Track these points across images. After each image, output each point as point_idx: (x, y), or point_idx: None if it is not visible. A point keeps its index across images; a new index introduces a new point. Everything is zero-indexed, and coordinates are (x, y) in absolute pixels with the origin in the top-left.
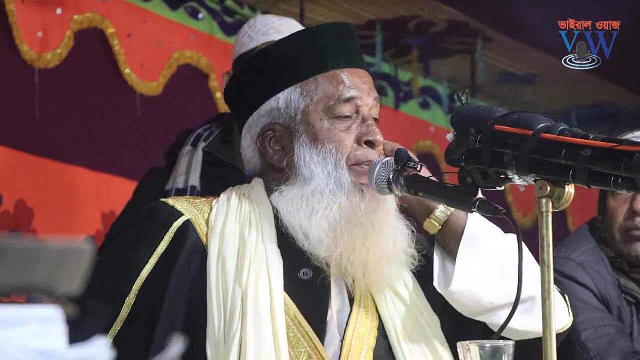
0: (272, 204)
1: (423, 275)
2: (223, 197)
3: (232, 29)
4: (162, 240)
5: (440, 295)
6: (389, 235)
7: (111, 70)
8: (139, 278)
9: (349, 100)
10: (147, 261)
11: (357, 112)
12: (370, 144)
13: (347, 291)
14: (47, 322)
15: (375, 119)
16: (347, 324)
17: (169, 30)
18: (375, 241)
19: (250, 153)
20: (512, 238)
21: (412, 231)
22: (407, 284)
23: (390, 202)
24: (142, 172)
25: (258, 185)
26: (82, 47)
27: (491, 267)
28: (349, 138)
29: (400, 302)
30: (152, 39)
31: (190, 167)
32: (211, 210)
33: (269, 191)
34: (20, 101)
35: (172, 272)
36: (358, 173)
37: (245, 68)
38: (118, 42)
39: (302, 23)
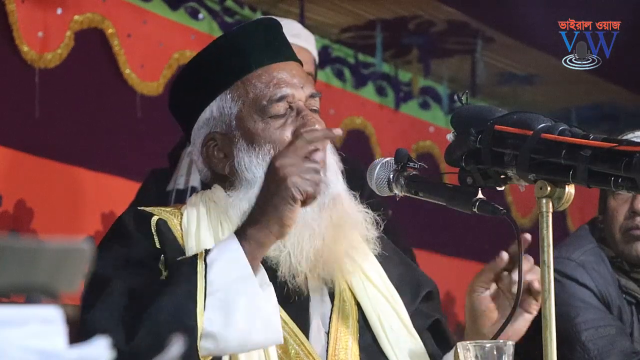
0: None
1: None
2: (189, 204)
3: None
4: (152, 236)
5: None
6: (337, 233)
7: (111, 71)
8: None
9: (281, 99)
10: (159, 253)
11: (291, 107)
12: None
13: (325, 283)
14: (47, 322)
15: (314, 110)
16: (330, 318)
17: (169, 30)
18: (322, 242)
19: (200, 164)
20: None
21: (369, 220)
22: (377, 270)
23: (337, 200)
24: (142, 172)
25: (218, 190)
26: (82, 47)
27: None
28: (285, 134)
29: (374, 289)
30: (152, 39)
31: (191, 167)
32: (182, 215)
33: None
34: (20, 101)
35: (167, 261)
36: None
37: (176, 82)
38: (118, 42)
39: (302, 23)
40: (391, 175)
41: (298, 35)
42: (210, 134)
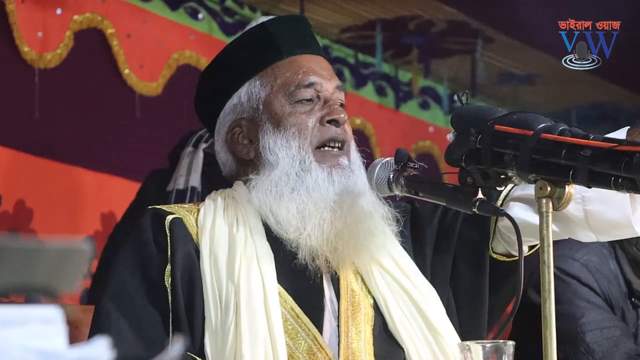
0: (255, 202)
1: (410, 240)
2: (208, 199)
3: (231, 29)
4: (165, 237)
5: (429, 253)
6: (358, 217)
7: (111, 71)
8: (165, 277)
9: (309, 85)
10: (166, 262)
11: (318, 96)
12: (334, 122)
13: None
14: (47, 322)
15: (341, 104)
16: (339, 310)
17: (169, 31)
18: (343, 224)
19: (223, 156)
20: None
21: (390, 205)
22: (393, 256)
23: (360, 185)
24: (142, 172)
25: (239, 186)
26: (82, 47)
27: None
28: (311, 119)
29: (388, 276)
30: (152, 39)
31: (191, 167)
32: (199, 212)
33: (250, 190)
34: (20, 101)
35: (175, 266)
36: (324, 155)
37: (204, 73)
38: (117, 42)
39: None
40: (391, 175)
41: None
42: (236, 121)
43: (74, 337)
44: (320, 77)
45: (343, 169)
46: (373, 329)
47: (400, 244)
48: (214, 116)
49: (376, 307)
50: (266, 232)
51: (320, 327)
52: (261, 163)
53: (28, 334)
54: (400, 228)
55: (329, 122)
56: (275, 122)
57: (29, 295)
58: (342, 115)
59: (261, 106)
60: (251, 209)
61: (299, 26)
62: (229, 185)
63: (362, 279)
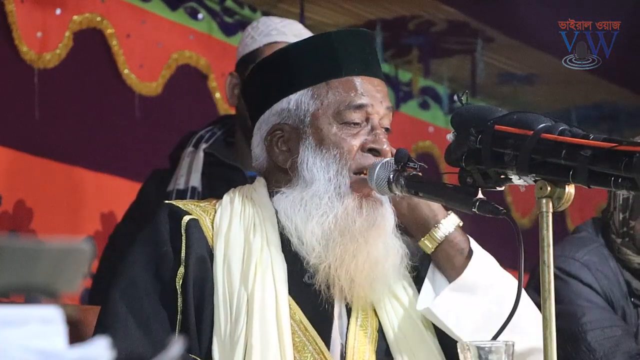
0: (273, 206)
1: (418, 284)
2: (226, 199)
3: (231, 29)
4: (180, 238)
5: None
6: (380, 253)
7: (110, 71)
8: (178, 274)
9: (359, 107)
10: (179, 264)
11: (367, 119)
12: (375, 152)
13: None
14: (47, 322)
15: (387, 129)
16: (347, 328)
17: (168, 31)
18: (365, 257)
19: (258, 151)
20: (511, 280)
21: (408, 247)
22: (406, 288)
23: (387, 219)
24: (142, 172)
25: (260, 186)
26: (81, 47)
27: (476, 306)
28: (354, 143)
29: (398, 304)
30: (151, 39)
31: (191, 168)
32: (215, 213)
33: (271, 192)
34: (20, 101)
35: (188, 269)
36: (361, 181)
37: (260, 66)
38: (117, 43)
39: (302, 23)
40: (391, 175)
41: (299, 36)
42: (279, 124)
43: (74, 337)
44: (372, 99)
45: (374, 201)
46: (376, 352)
47: (414, 281)
48: (258, 110)
49: (380, 331)
50: (281, 241)
51: (327, 342)
52: (295, 176)
53: (28, 334)
54: (415, 264)
55: (370, 149)
56: (319, 140)
57: (29, 295)
58: (385, 147)
59: (308, 119)
60: (268, 214)
61: (364, 44)
62: (235, 179)
63: (372, 302)
